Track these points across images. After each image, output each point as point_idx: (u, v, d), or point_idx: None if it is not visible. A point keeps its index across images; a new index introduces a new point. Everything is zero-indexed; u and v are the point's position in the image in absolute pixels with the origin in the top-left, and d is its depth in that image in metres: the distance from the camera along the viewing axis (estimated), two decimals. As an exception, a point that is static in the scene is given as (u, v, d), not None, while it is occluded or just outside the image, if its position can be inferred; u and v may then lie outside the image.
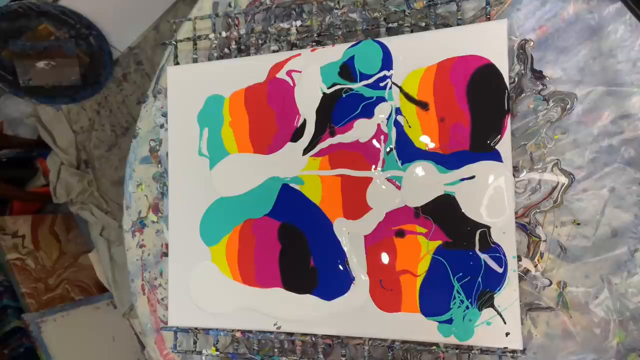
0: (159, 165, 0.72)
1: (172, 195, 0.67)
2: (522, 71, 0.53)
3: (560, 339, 0.51)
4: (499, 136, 0.51)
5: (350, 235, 0.57)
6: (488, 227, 0.52)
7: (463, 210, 0.53)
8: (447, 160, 0.53)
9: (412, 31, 0.57)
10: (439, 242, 0.53)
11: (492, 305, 0.51)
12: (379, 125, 0.56)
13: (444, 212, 0.53)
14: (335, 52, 0.59)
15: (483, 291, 0.52)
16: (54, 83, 1.55)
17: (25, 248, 1.58)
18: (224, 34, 0.66)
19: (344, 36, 0.61)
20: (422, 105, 0.55)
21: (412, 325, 0.54)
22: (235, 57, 0.66)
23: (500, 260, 0.51)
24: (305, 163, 0.59)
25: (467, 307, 0.52)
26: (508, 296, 0.51)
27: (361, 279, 0.56)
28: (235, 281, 0.62)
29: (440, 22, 0.56)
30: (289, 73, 0.61)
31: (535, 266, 0.52)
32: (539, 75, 0.52)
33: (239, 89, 0.63)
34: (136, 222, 0.74)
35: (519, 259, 0.52)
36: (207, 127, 0.65)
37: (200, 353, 0.64)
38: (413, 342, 0.55)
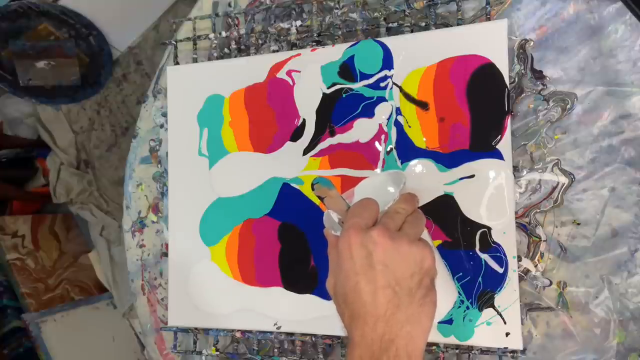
0: (159, 165, 0.72)
1: (172, 195, 0.67)
2: (522, 71, 0.53)
3: (560, 339, 0.51)
4: (500, 136, 0.51)
5: (350, 235, 0.57)
6: (488, 228, 0.52)
7: (463, 211, 0.53)
8: (447, 159, 0.53)
9: (412, 31, 0.57)
10: (439, 242, 0.53)
11: (493, 306, 0.51)
12: (380, 125, 0.56)
13: (443, 212, 0.53)
14: (335, 52, 0.59)
15: (483, 291, 0.52)
16: (54, 83, 1.55)
17: (25, 248, 1.57)
18: (224, 34, 0.66)
19: (344, 36, 0.61)
20: (422, 105, 0.55)
21: (412, 325, 0.54)
22: (235, 57, 0.66)
23: (501, 260, 0.51)
24: (305, 163, 0.59)
25: (468, 307, 0.52)
26: (508, 296, 0.51)
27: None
28: (235, 280, 0.62)
29: (440, 22, 0.56)
30: (288, 73, 0.61)
31: (536, 266, 0.52)
32: (539, 75, 0.52)
33: (239, 89, 0.63)
34: (136, 222, 0.74)
35: (519, 259, 0.52)
36: (207, 127, 0.65)
37: (200, 353, 0.64)
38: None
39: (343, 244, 0.40)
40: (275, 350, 0.61)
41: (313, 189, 0.43)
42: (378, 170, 0.56)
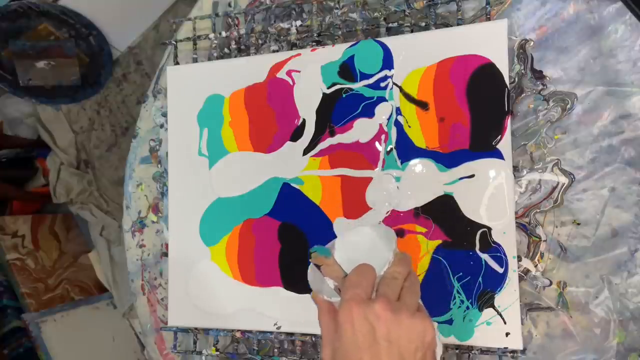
0: (159, 165, 0.72)
1: (172, 195, 0.67)
2: (522, 71, 0.53)
3: (560, 339, 0.51)
4: (500, 136, 0.51)
5: (350, 235, 0.57)
6: (489, 228, 0.52)
7: (463, 211, 0.53)
8: (447, 158, 0.53)
9: (412, 31, 0.57)
10: (439, 242, 0.53)
11: (493, 306, 0.51)
12: (380, 125, 0.56)
13: (443, 212, 0.53)
14: (335, 52, 0.59)
15: (483, 291, 0.52)
16: (54, 83, 1.55)
17: (25, 248, 1.57)
18: (224, 34, 0.66)
19: (344, 36, 0.61)
20: (422, 105, 0.55)
21: (412, 325, 0.53)
22: (235, 57, 0.66)
23: (501, 260, 0.51)
24: (305, 163, 0.59)
25: (468, 308, 0.52)
26: (508, 296, 0.51)
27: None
28: (235, 280, 0.62)
29: (440, 22, 0.56)
30: (288, 73, 0.61)
31: (536, 266, 0.52)
32: (539, 75, 0.52)
33: (238, 89, 0.63)
34: (136, 222, 0.74)
35: (519, 259, 0.52)
36: (207, 127, 0.65)
37: (200, 353, 0.64)
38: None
39: (344, 317, 0.39)
40: (275, 350, 0.61)
41: (309, 257, 0.44)
42: (378, 169, 0.56)
